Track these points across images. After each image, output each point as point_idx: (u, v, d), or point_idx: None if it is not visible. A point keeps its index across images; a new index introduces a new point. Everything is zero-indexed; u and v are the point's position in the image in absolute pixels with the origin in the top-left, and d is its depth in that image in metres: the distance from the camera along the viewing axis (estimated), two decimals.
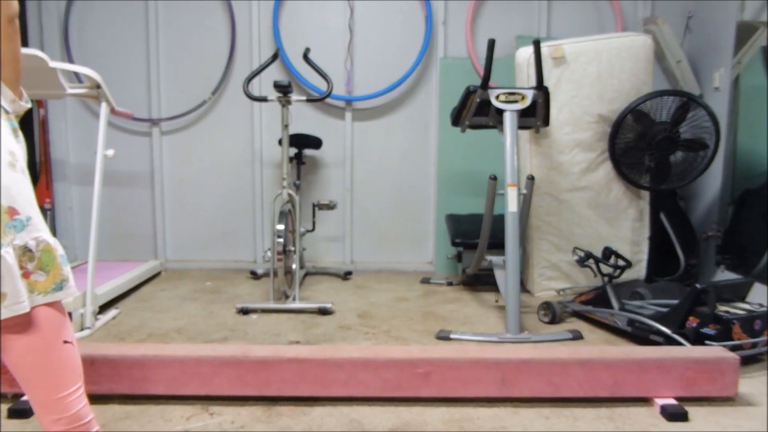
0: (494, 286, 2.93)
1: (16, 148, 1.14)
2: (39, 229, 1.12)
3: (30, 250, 1.09)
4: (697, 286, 2.25)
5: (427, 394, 1.86)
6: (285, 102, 3.00)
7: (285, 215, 2.88)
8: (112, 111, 2.85)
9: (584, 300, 2.83)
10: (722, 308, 2.32)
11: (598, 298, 2.73)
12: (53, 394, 1.12)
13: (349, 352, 1.92)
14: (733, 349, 2.02)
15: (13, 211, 1.08)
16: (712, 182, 3.28)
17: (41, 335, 1.12)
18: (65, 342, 1.15)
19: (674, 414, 1.78)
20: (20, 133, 1.17)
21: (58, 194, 3.78)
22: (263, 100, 3.08)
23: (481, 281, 3.38)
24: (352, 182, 3.85)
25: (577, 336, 2.54)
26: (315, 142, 3.59)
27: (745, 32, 3.17)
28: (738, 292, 2.68)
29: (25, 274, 1.09)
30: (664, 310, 2.40)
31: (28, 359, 1.12)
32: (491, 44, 2.64)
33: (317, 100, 3.24)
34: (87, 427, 1.15)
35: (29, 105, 1.21)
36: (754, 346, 2.17)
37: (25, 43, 3.41)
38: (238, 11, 3.69)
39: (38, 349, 1.12)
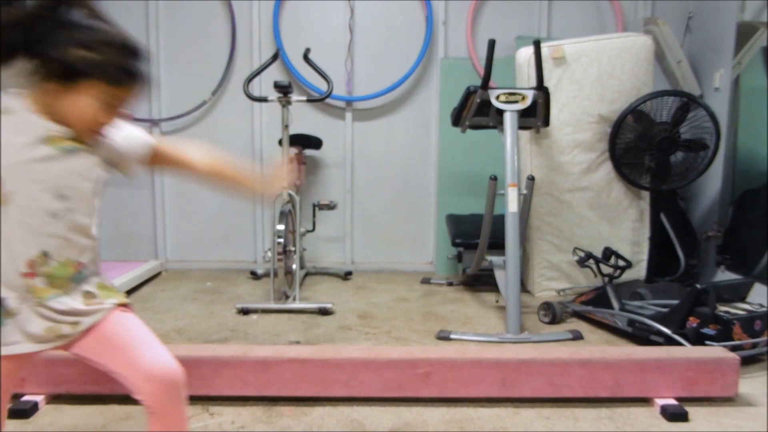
0: (494, 287, 2.93)
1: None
2: (95, 274, 1.17)
3: (90, 293, 1.15)
4: (698, 286, 2.25)
5: (427, 395, 1.86)
6: (285, 102, 3.00)
7: (285, 215, 2.88)
8: None
9: (584, 300, 2.82)
10: (722, 308, 2.33)
11: (599, 299, 2.73)
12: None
13: (350, 352, 1.92)
14: (734, 349, 2.02)
15: (79, 265, 1.11)
16: (713, 182, 3.28)
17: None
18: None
19: (675, 414, 1.78)
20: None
21: None
22: (263, 100, 3.08)
23: (481, 281, 3.38)
24: (352, 182, 3.85)
25: (578, 336, 2.54)
26: (315, 143, 3.58)
27: (745, 33, 3.17)
28: (738, 293, 2.69)
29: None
30: (665, 310, 2.40)
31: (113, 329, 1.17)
32: (491, 44, 2.64)
33: (317, 100, 3.24)
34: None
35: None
36: (754, 346, 2.17)
37: None
38: (238, 11, 3.68)
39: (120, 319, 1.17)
